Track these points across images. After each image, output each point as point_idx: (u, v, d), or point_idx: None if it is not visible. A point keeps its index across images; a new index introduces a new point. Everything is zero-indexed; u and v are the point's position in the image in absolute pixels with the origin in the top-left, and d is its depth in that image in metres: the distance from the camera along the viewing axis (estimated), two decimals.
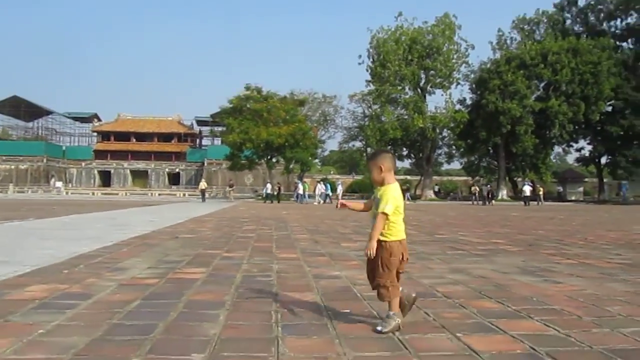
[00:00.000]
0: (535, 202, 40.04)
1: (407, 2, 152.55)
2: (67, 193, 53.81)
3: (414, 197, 46.88)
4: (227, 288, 4.42)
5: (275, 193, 38.68)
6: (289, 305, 3.72)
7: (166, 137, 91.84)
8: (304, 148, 40.33)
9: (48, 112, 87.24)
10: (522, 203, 39.84)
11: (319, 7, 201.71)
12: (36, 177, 78.09)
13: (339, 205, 3.43)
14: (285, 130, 37.92)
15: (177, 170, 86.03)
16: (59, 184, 77.55)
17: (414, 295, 3.26)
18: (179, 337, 2.92)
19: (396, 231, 3.05)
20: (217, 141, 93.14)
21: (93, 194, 53.53)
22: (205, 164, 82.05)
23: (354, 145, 55.21)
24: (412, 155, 51.12)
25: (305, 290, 4.37)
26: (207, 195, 39.17)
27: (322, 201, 36.97)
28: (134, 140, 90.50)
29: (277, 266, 5.72)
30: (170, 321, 3.25)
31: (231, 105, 41.45)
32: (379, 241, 3.01)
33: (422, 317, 3.42)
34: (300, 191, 37.63)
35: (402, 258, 3.08)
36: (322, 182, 41.64)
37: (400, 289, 3.14)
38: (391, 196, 3.02)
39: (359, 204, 3.43)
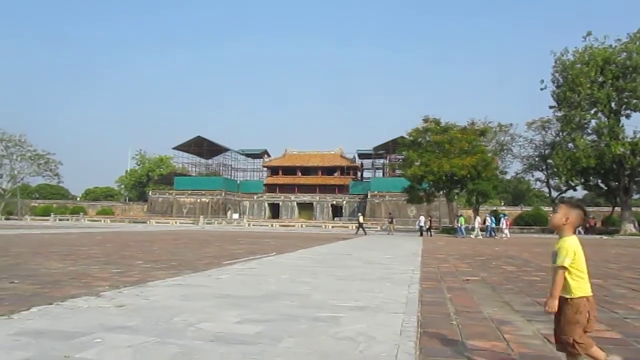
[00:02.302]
0: None
1: (593, 21, 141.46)
2: (249, 224, 57.36)
3: (609, 232, 42.10)
4: None
5: (427, 227, 37.06)
6: None
7: (329, 171, 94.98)
8: (485, 179, 38.44)
9: (225, 150, 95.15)
10: None
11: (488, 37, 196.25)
12: (215, 209, 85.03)
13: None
14: (468, 162, 36.55)
15: (340, 202, 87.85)
16: (235, 215, 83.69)
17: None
18: None
19: (580, 286, 2.93)
20: (379, 173, 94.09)
21: (272, 225, 56.31)
22: (369, 197, 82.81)
23: (533, 175, 51.51)
24: (604, 186, 46.11)
25: None
26: (377, 228, 39.10)
27: (481, 235, 34.27)
28: (300, 173, 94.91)
29: None
30: None
31: (410, 138, 41.23)
32: (564, 298, 2.93)
33: None
34: (461, 225, 35.24)
35: (589, 316, 2.92)
36: (488, 215, 38.57)
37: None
38: (569, 248, 2.93)
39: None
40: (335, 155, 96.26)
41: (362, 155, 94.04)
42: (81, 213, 72.75)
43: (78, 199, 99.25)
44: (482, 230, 35.49)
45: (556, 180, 46.10)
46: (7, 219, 65.43)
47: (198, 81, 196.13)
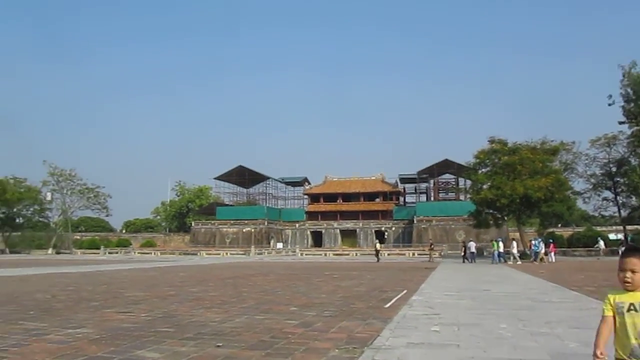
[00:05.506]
0: None
1: None
2: (301, 254, 55.97)
3: None
4: None
5: (462, 253, 35.12)
6: None
7: (371, 196, 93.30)
8: (559, 201, 36.31)
9: (266, 178, 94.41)
10: None
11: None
12: (259, 238, 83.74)
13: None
14: (543, 183, 34.54)
15: (383, 228, 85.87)
16: (279, 244, 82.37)
17: None
18: None
19: None
20: (423, 197, 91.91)
21: (325, 254, 54.74)
22: (415, 222, 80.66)
23: (599, 194, 48.86)
24: None
25: None
26: (436, 255, 36.99)
27: (520, 261, 31.59)
28: (341, 200, 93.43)
29: None
30: None
31: (477, 160, 39.41)
32: None
33: None
34: (500, 250, 32.70)
35: None
36: (534, 239, 35.22)
37: None
38: None
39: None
40: (377, 180, 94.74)
41: (404, 180, 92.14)
42: (130, 246, 72.49)
43: (123, 231, 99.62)
44: (521, 255, 32.78)
45: (632, 199, 43.44)
46: (57, 252, 65.49)
47: (238, 111, 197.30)
